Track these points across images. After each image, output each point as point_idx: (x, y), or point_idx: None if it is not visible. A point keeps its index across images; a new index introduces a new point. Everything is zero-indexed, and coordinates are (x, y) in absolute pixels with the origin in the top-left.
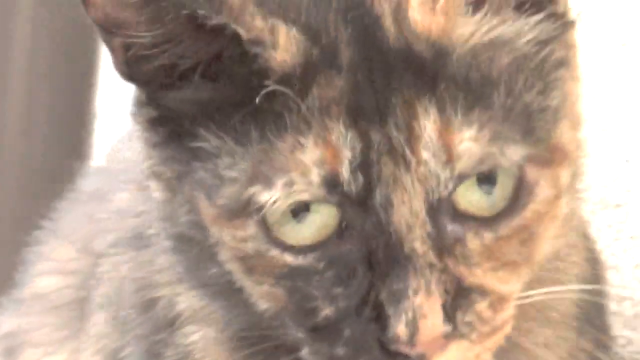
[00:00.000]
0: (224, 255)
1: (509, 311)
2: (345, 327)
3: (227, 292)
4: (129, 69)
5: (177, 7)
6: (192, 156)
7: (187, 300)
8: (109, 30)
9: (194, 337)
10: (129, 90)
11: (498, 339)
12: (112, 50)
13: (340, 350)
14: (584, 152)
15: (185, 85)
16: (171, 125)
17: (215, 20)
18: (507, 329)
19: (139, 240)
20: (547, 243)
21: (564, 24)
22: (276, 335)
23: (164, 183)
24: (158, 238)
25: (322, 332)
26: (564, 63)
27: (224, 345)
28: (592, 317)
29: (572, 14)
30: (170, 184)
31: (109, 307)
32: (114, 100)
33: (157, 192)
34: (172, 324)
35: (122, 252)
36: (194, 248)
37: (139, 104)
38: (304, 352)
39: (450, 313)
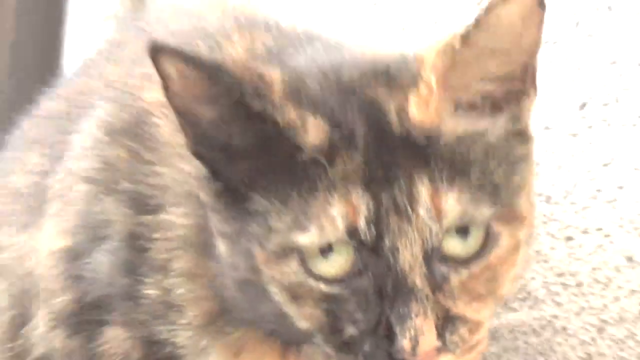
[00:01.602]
0: (273, 288)
1: (483, 333)
2: (365, 343)
3: (276, 319)
4: (196, 146)
5: (231, 98)
6: (247, 215)
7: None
8: (183, 114)
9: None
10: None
11: (475, 354)
12: (184, 130)
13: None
14: (536, 222)
15: (239, 160)
16: (230, 193)
17: (258, 108)
18: (482, 347)
19: None
20: (507, 282)
21: (526, 135)
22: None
23: (227, 240)
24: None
25: (347, 347)
26: (524, 158)
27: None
28: None
29: (531, 132)
30: (232, 239)
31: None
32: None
33: (222, 247)
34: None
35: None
36: (251, 288)
37: (205, 179)
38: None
39: (441, 333)
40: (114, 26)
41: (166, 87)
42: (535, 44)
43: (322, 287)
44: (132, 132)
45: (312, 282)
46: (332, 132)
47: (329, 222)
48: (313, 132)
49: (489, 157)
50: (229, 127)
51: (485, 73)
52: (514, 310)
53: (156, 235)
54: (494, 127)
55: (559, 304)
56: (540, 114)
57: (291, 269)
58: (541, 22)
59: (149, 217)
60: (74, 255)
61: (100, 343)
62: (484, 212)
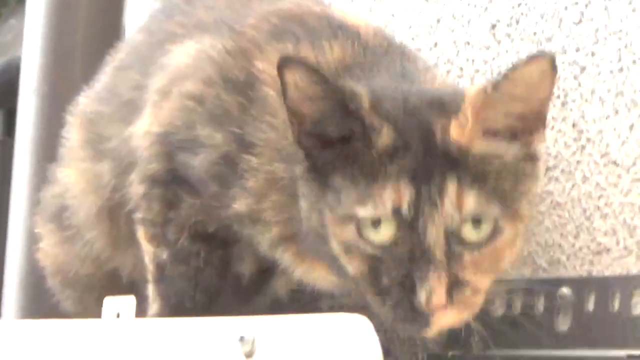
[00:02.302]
0: (334, 242)
1: (481, 297)
2: (394, 292)
3: (331, 260)
4: (299, 137)
5: (336, 97)
6: (325, 188)
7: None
8: (294, 112)
9: None
10: None
11: (473, 312)
12: (292, 124)
13: (389, 306)
14: (532, 222)
15: (329, 148)
16: (316, 171)
17: (353, 109)
18: (479, 306)
19: None
20: (506, 263)
21: (534, 158)
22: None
23: (307, 200)
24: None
25: (380, 294)
26: (529, 174)
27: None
28: None
29: (539, 154)
30: (311, 201)
31: None
32: None
33: (303, 204)
34: None
35: None
36: (317, 236)
37: (300, 159)
38: (370, 300)
39: (449, 293)
40: None
41: (285, 92)
42: (548, 96)
43: (369, 249)
44: (241, 87)
45: (361, 244)
46: (396, 139)
47: (381, 202)
48: (385, 136)
49: (502, 172)
50: (328, 123)
51: (508, 112)
52: None
53: (254, 169)
54: (510, 151)
55: None
56: None
57: (349, 232)
58: (553, 81)
59: (251, 157)
60: (167, 140)
61: (179, 208)
62: (494, 210)
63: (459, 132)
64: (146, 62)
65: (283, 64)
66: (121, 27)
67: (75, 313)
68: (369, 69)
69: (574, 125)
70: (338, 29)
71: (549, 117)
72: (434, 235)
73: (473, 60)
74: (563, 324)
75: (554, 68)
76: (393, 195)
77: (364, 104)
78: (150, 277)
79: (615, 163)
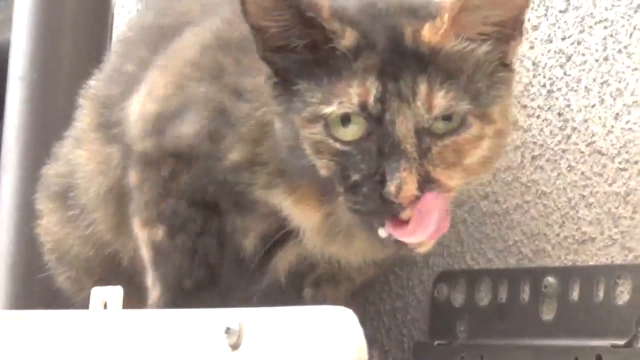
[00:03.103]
0: (305, 145)
1: (451, 195)
2: (364, 186)
3: (310, 170)
4: (264, 51)
5: (294, 8)
6: (292, 95)
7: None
8: (256, 27)
9: None
10: None
11: (441, 213)
12: (256, 40)
13: (360, 198)
14: (508, 130)
15: (292, 55)
16: (284, 83)
17: (311, 14)
18: (447, 204)
19: None
20: (473, 160)
21: (509, 68)
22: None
23: (280, 117)
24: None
25: (352, 188)
26: (504, 82)
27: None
28: None
29: (514, 65)
30: (282, 116)
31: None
32: None
33: (277, 124)
34: None
35: None
36: (294, 150)
37: (268, 75)
38: (341, 199)
39: (420, 187)
40: None
41: (244, 8)
42: (525, 3)
43: (338, 146)
44: (236, 44)
45: (331, 141)
46: (360, 39)
47: (347, 99)
48: (348, 38)
49: (476, 72)
50: (289, 32)
51: (486, 18)
52: None
53: (247, 116)
54: (484, 53)
55: None
56: None
57: (317, 131)
58: None
59: (244, 104)
60: (158, 119)
61: (175, 181)
62: (463, 107)
63: (431, 33)
64: (156, 41)
65: None
66: (109, 16)
67: (69, 291)
68: None
69: (559, 114)
70: None
71: (534, 105)
72: (404, 130)
73: None
74: (548, 312)
75: None
76: (359, 91)
77: (322, 12)
78: (148, 264)
79: (600, 152)
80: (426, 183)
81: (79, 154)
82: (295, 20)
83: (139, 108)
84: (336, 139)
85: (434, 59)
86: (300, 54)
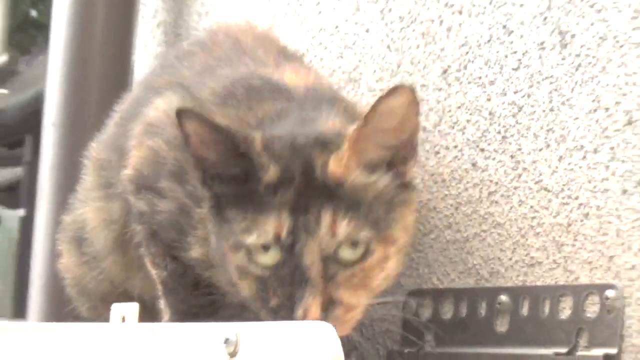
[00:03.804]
0: (231, 267)
1: (356, 313)
2: (281, 311)
3: (233, 285)
4: (204, 178)
5: (229, 141)
6: (223, 222)
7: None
8: (196, 156)
9: None
10: None
11: (348, 327)
12: (196, 167)
13: (276, 317)
14: (407, 245)
15: (226, 185)
16: (217, 208)
17: (245, 149)
18: (354, 323)
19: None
20: (379, 281)
21: (409, 186)
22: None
23: (213, 235)
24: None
25: (270, 312)
26: (403, 202)
27: None
28: None
29: (414, 183)
30: (216, 235)
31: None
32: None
33: (212, 239)
34: None
35: None
36: (223, 265)
37: (206, 199)
38: (261, 314)
39: (324, 309)
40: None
41: (186, 140)
42: (415, 125)
43: (258, 270)
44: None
45: (252, 267)
46: (281, 175)
47: (264, 231)
48: (270, 174)
49: (376, 200)
50: (226, 165)
51: (380, 143)
52: None
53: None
54: (384, 180)
55: None
56: None
57: (240, 257)
58: (418, 112)
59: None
60: (137, 182)
61: (156, 243)
62: (366, 234)
63: (336, 165)
64: (140, 113)
65: (180, 116)
66: (130, 71)
67: (89, 318)
68: (283, 118)
69: (512, 157)
70: (274, 91)
71: (490, 149)
72: (310, 259)
73: (427, 100)
74: (502, 325)
75: (415, 98)
76: (275, 224)
77: (255, 146)
78: (159, 293)
79: (546, 189)
80: (331, 305)
81: (86, 211)
82: (229, 153)
83: (125, 171)
84: (257, 264)
85: (339, 190)
86: (232, 184)
